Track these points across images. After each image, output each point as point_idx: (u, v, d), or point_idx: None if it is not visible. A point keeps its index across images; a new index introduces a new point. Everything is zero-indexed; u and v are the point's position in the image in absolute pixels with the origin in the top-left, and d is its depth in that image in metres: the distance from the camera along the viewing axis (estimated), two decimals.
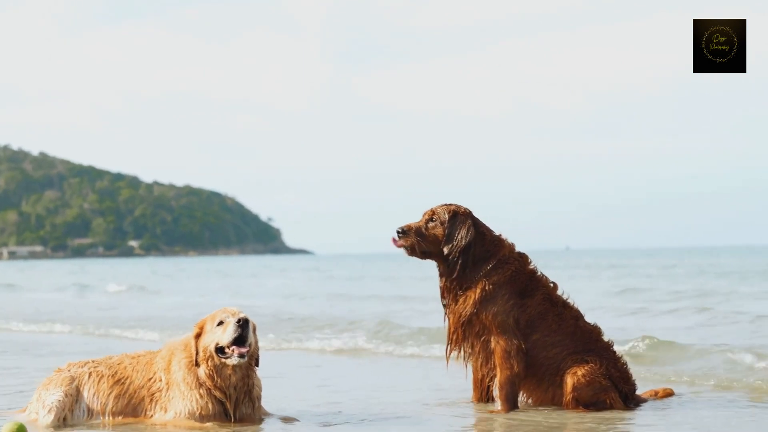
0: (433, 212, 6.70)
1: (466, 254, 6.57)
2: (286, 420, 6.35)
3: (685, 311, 15.48)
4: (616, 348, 6.86)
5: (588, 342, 6.64)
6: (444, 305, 6.76)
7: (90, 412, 6.17)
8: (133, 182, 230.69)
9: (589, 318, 6.87)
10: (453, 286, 6.63)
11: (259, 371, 6.22)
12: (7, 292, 33.32)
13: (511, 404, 6.56)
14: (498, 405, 6.62)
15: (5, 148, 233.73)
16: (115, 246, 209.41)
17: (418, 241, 6.63)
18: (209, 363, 5.99)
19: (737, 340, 10.48)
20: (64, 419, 6.09)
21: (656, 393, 7.19)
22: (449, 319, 6.72)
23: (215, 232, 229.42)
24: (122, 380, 6.22)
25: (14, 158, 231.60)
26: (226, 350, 5.94)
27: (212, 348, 5.97)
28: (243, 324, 5.92)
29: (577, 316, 6.72)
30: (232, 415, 6.03)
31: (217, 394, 6.02)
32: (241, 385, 6.07)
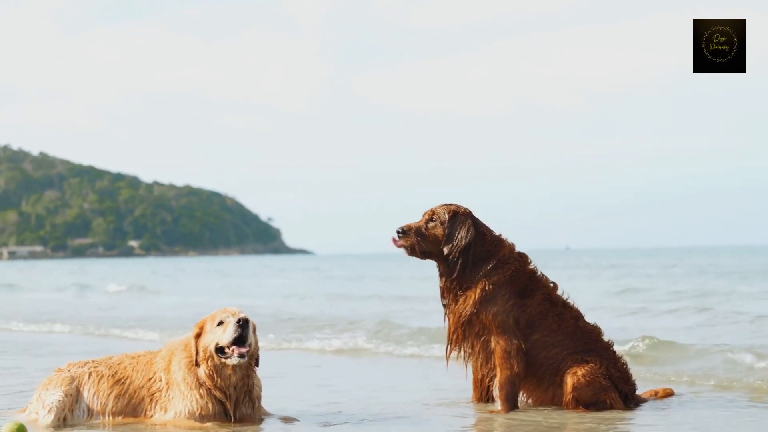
0: (433, 212, 6.70)
1: (466, 254, 6.57)
2: (286, 420, 6.35)
3: (685, 311, 15.47)
4: (616, 348, 6.86)
5: (588, 342, 6.64)
6: (444, 305, 6.76)
7: (90, 412, 6.17)
8: (133, 182, 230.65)
9: (589, 318, 6.87)
10: (453, 286, 6.63)
11: (259, 371, 6.22)
12: (7, 292, 33.31)
13: (511, 404, 6.56)
14: (498, 405, 6.62)
15: (5, 148, 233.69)
16: (115, 246, 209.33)
17: (418, 241, 6.63)
18: (209, 363, 5.99)
19: (737, 340, 10.47)
20: (64, 419, 6.09)
21: (656, 393, 7.19)
22: (449, 319, 6.72)
23: (215, 232, 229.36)
24: (122, 380, 6.22)
25: (14, 158, 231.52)
26: (226, 350, 5.94)
27: (212, 348, 5.97)
28: (243, 324, 5.92)
29: (577, 316, 6.72)
30: (232, 415, 6.03)
31: (217, 394, 6.01)
32: (241, 385, 6.07)
